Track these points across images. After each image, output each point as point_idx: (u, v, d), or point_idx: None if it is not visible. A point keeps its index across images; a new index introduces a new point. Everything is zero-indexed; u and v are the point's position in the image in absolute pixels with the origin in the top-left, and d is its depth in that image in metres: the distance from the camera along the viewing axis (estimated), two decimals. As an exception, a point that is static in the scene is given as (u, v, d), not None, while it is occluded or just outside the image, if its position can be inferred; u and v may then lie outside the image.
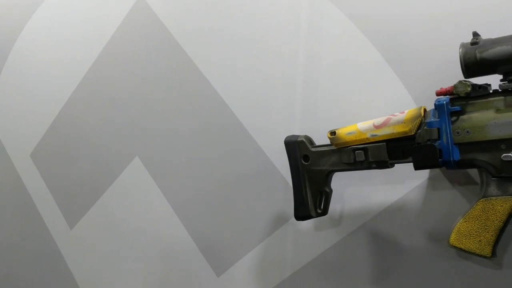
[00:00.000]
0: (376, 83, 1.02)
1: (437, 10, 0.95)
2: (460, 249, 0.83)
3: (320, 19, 1.08)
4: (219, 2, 1.23)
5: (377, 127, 0.90)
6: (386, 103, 1.00)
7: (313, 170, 0.97)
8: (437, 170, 0.94)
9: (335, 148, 0.94)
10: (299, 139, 0.99)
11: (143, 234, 1.38)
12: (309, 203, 0.98)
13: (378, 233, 1.03)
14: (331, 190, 0.99)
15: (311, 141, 1.00)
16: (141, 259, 1.38)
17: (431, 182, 0.97)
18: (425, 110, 0.87)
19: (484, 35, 0.79)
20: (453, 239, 0.84)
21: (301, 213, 0.99)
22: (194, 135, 1.28)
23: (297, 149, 0.99)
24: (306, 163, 0.98)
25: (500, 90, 0.78)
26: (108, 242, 1.45)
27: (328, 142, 0.96)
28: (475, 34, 0.80)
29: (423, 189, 0.97)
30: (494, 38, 0.77)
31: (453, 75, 0.83)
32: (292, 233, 1.14)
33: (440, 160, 0.83)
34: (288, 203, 1.11)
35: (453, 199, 0.94)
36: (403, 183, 0.99)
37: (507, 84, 0.77)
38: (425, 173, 0.97)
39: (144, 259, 1.37)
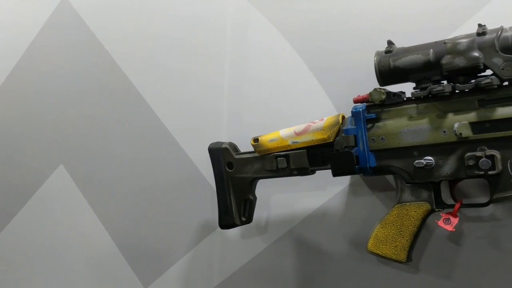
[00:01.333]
0: (300, 90, 1.02)
1: (358, 19, 0.97)
2: (378, 255, 0.84)
3: (246, 25, 1.08)
4: (144, 5, 1.19)
5: (298, 134, 0.90)
6: (309, 110, 1.00)
7: (237, 177, 0.96)
8: (357, 176, 0.95)
9: (258, 155, 0.94)
10: (223, 146, 0.98)
11: (68, 246, 1.31)
12: (234, 211, 0.96)
13: (303, 239, 1.03)
14: (255, 198, 0.97)
15: (235, 148, 0.99)
16: (66, 272, 1.31)
17: (352, 188, 0.98)
18: (343, 117, 0.88)
19: (402, 43, 0.80)
20: (370, 245, 0.85)
21: (226, 222, 0.97)
22: (120, 143, 1.23)
23: (221, 156, 0.97)
24: (230, 171, 0.96)
25: (412, 98, 0.80)
26: (32, 255, 1.37)
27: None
28: (390, 43, 0.82)
29: (345, 195, 0.98)
30: (407, 47, 0.79)
31: (373, 83, 0.84)
32: (220, 242, 1.12)
33: (357, 166, 0.84)
34: (215, 212, 1.07)
35: (372, 205, 0.95)
36: (326, 189, 1.00)
37: (419, 92, 0.79)
38: (346, 180, 0.98)
39: (69, 272, 1.31)
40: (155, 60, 1.17)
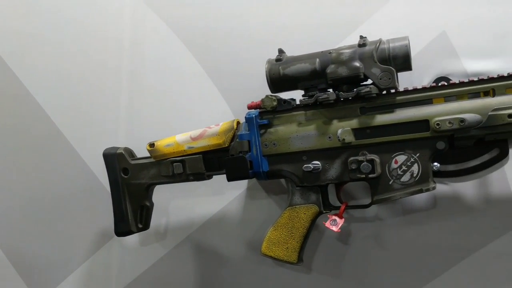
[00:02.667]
0: (198, 95, 1.02)
1: (254, 27, 0.99)
2: (271, 257, 0.86)
3: (143, 29, 1.06)
4: (39, 6, 1.13)
5: (194, 139, 0.90)
6: (207, 115, 1.01)
7: (132, 183, 0.94)
8: (254, 180, 0.97)
9: (154, 160, 0.92)
10: (118, 151, 0.95)
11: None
12: (130, 218, 0.94)
13: (202, 245, 1.03)
14: (152, 204, 0.96)
15: (131, 154, 0.97)
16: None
17: (249, 192, 0.99)
18: (238, 122, 0.89)
19: (297, 52, 0.83)
20: (264, 247, 0.87)
21: (121, 229, 0.95)
22: (11, 148, 1.15)
23: (116, 161, 0.95)
24: (125, 177, 0.94)
25: (301, 105, 0.83)
26: None
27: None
28: (280, 51, 0.84)
29: (242, 199, 1.00)
30: (296, 56, 0.82)
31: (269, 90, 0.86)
32: (118, 250, 1.09)
33: (250, 171, 0.85)
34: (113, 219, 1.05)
35: (269, 208, 0.98)
36: (224, 194, 1.01)
37: (307, 100, 0.82)
38: (243, 184, 0.99)
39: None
40: (48, 62, 1.11)
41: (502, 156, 0.84)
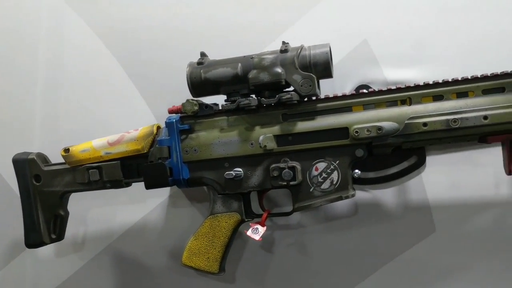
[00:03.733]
0: (118, 98, 0.98)
1: (178, 29, 0.95)
2: (191, 267, 0.83)
3: (61, 28, 1.00)
4: None
5: (111, 144, 0.85)
6: (128, 118, 0.97)
7: (45, 191, 0.88)
8: (177, 188, 0.93)
9: (69, 167, 0.87)
10: (29, 157, 0.89)
11: None
12: (42, 228, 0.88)
13: (122, 255, 0.99)
14: (67, 213, 0.90)
15: (45, 159, 0.91)
16: None
17: (172, 200, 0.96)
18: (159, 127, 0.85)
19: (221, 56, 0.80)
20: (185, 258, 0.84)
21: (32, 240, 0.88)
22: None
23: (27, 168, 0.88)
24: (37, 184, 0.88)
25: (223, 110, 0.81)
26: None
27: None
28: (203, 54, 0.82)
29: (164, 207, 0.97)
30: (218, 60, 0.80)
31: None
32: (31, 262, 1.02)
33: (170, 178, 0.82)
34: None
35: (192, 216, 0.95)
36: (145, 202, 0.97)
37: (229, 105, 0.80)
38: (166, 191, 0.96)
39: None
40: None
41: (420, 163, 0.85)
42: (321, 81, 0.81)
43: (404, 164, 0.86)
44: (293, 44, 0.78)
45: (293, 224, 0.91)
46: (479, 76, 0.72)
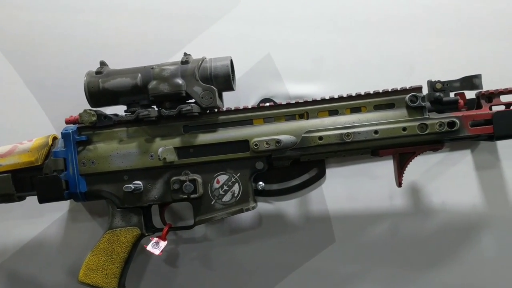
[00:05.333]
0: (13, 105, 0.92)
1: (79, 36, 0.92)
2: (89, 284, 0.79)
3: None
4: None
5: (2, 156, 0.80)
6: (24, 128, 0.91)
7: None
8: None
9: (-45, 180, 0.80)
10: None
11: None
12: None
13: (16, 274, 0.93)
14: (-50, 230, 0.83)
15: None
16: None
17: (72, 214, 0.92)
18: (55, 138, 0.81)
19: (123, 65, 0.78)
20: (81, 274, 0.80)
21: None
22: None
23: None
24: None
25: (123, 121, 0.78)
26: None
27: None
28: (102, 64, 0.79)
29: (63, 222, 0.92)
30: (118, 69, 0.78)
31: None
32: None
33: (66, 192, 0.78)
34: None
35: (93, 231, 0.91)
36: (43, 216, 0.92)
37: (128, 116, 0.78)
38: (65, 205, 0.91)
39: None
40: None
41: (320, 175, 0.88)
42: (225, 93, 0.82)
43: (306, 176, 0.88)
44: (198, 56, 0.77)
45: (198, 237, 0.90)
46: (371, 92, 0.75)
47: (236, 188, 0.77)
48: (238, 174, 0.77)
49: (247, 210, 0.77)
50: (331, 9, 0.89)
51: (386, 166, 0.82)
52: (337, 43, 0.88)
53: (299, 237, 0.89)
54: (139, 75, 0.76)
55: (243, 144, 0.76)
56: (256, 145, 0.74)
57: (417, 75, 0.84)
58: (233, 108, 0.78)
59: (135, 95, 0.77)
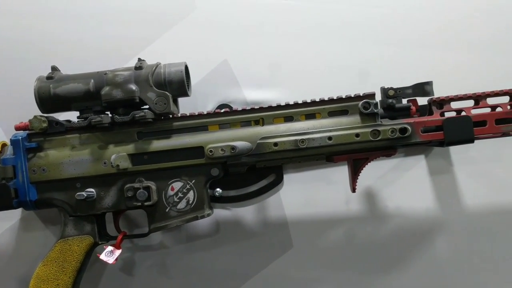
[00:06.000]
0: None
1: (31, 40, 0.89)
2: (39, 295, 0.77)
3: None
4: None
5: None
6: (-27, 135, 0.88)
7: None
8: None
9: None
10: None
11: None
12: None
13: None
14: None
15: None
16: None
17: (24, 223, 0.89)
18: (4, 145, 0.79)
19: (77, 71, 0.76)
20: (32, 285, 0.78)
21: None
22: None
23: None
24: None
25: (75, 127, 0.77)
26: None
27: None
28: (54, 69, 0.78)
29: (15, 231, 0.89)
30: (70, 75, 0.76)
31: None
32: None
33: (15, 200, 0.76)
34: None
35: (46, 240, 0.88)
36: (-7, 225, 0.89)
37: (81, 122, 0.76)
38: (17, 213, 0.88)
39: None
40: None
41: (278, 181, 0.88)
42: (182, 99, 0.81)
43: (263, 182, 0.88)
44: (154, 62, 0.76)
45: (154, 244, 0.89)
46: (326, 99, 0.75)
47: (191, 195, 0.76)
48: (193, 181, 0.76)
49: (202, 217, 0.76)
50: (288, 16, 0.89)
51: (343, 172, 0.83)
52: (294, 49, 0.89)
53: (257, 243, 0.89)
54: (92, 80, 0.75)
55: (198, 150, 0.75)
56: (211, 151, 0.74)
57: (372, 82, 0.85)
58: (188, 114, 0.77)
59: (88, 101, 0.75)
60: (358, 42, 0.88)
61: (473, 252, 0.88)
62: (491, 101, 0.75)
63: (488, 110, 0.76)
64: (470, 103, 0.76)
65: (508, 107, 0.75)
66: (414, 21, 0.88)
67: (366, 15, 0.89)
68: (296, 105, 0.76)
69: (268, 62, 0.88)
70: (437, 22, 0.88)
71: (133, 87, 0.74)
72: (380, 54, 0.88)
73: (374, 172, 0.87)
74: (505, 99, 0.76)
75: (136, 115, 0.74)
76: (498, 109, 0.76)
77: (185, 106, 0.83)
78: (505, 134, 0.75)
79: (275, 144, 0.73)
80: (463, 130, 0.73)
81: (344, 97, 0.75)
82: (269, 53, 0.88)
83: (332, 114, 0.75)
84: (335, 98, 0.76)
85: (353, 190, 0.77)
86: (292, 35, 0.89)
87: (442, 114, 0.76)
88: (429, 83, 0.75)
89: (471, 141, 0.74)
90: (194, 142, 0.75)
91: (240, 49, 0.89)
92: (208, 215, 0.77)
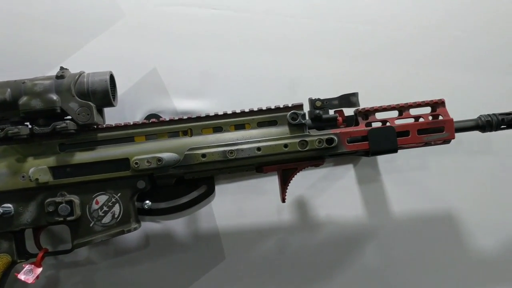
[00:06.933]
0: None
1: None
2: (-50, 320, 0.72)
3: None
4: None
5: None
6: None
7: None
8: None
9: None
10: None
11: None
12: None
13: None
14: None
15: None
16: None
17: None
18: None
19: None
20: None
21: None
22: None
23: None
24: None
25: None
26: None
27: None
28: (-33, 76, 0.73)
29: None
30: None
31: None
32: None
33: None
34: None
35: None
36: None
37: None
38: None
39: None
40: None
41: (209, 192, 0.87)
42: (109, 109, 0.78)
43: (194, 194, 0.86)
44: (78, 70, 0.73)
45: (80, 260, 0.85)
46: (255, 109, 0.75)
47: (116, 208, 0.73)
48: (119, 194, 0.73)
49: (129, 231, 0.74)
50: (219, 26, 0.88)
51: (274, 182, 0.83)
52: (225, 59, 0.88)
53: (189, 256, 0.87)
54: (8, 89, 0.71)
55: (123, 162, 0.73)
56: (136, 163, 0.72)
57: (302, 93, 0.85)
58: (113, 125, 0.74)
59: (4, 111, 0.71)
60: (289, 53, 0.89)
61: (401, 256, 0.90)
62: (414, 111, 0.77)
63: (412, 120, 0.79)
64: (395, 113, 0.78)
65: (430, 117, 0.78)
66: (340, 33, 0.90)
67: (296, 26, 0.90)
68: (225, 115, 0.75)
69: (199, 71, 0.87)
70: (363, 33, 0.91)
71: (54, 97, 0.71)
72: (311, 65, 0.89)
73: (305, 181, 0.88)
74: (427, 110, 0.78)
75: (57, 126, 0.71)
76: (421, 120, 0.78)
77: (113, 116, 0.81)
78: (427, 144, 0.78)
79: (203, 155, 0.72)
80: (387, 140, 0.75)
81: (273, 107, 0.76)
82: (200, 62, 0.87)
83: (261, 124, 0.75)
84: (264, 108, 0.76)
85: (283, 200, 0.77)
86: (223, 44, 0.88)
87: (369, 125, 0.77)
88: (354, 94, 0.76)
89: (395, 150, 0.76)
90: (119, 154, 0.73)
91: (170, 57, 0.87)
92: (135, 229, 0.74)
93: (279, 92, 0.87)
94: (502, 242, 0.92)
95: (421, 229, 0.91)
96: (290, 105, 0.76)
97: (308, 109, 0.77)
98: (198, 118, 0.75)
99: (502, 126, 0.79)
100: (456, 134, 0.77)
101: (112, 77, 0.74)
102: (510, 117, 0.78)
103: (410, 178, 0.90)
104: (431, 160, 0.91)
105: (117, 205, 0.73)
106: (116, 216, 0.73)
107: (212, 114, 0.75)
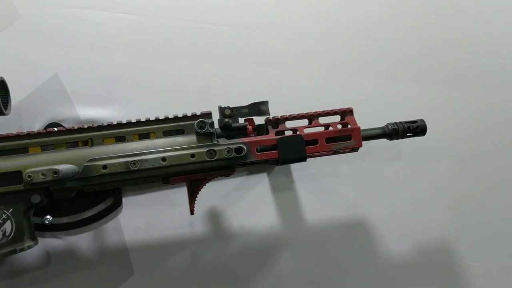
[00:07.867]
0: None
1: None
2: None
3: None
4: None
5: None
6: None
7: None
8: None
9: None
10: None
11: None
12: None
13: None
14: None
15: None
16: None
17: None
18: None
19: None
20: None
21: None
22: None
23: None
24: None
25: None
26: None
27: None
28: None
29: None
30: None
31: None
32: None
33: None
34: None
35: None
36: None
37: None
38: None
39: None
40: None
41: (116, 205, 0.82)
42: (4, 118, 0.72)
43: (100, 207, 0.82)
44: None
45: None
46: (161, 118, 0.72)
47: (8, 226, 0.68)
48: (10, 210, 0.68)
49: (22, 250, 0.68)
50: (127, 31, 0.85)
51: (186, 193, 0.80)
52: (133, 65, 0.84)
53: (95, 273, 0.82)
54: None
55: (15, 175, 0.67)
56: (29, 176, 0.66)
57: (213, 101, 0.83)
58: (4, 135, 0.69)
59: None
60: (201, 60, 0.87)
61: (315, 264, 0.90)
62: (324, 120, 0.78)
63: (321, 129, 0.79)
64: (305, 122, 0.78)
65: (339, 126, 0.78)
66: (258, 39, 0.90)
67: (207, 32, 0.88)
68: (128, 124, 0.72)
69: (105, 78, 0.83)
70: (279, 41, 0.91)
71: None
72: (223, 72, 0.87)
73: (218, 192, 0.86)
74: (336, 118, 0.79)
75: None
76: (330, 128, 0.79)
77: (9, 125, 0.75)
78: (336, 152, 0.78)
79: (104, 166, 0.68)
80: (296, 149, 0.75)
81: (180, 116, 0.73)
82: (106, 68, 0.83)
83: (167, 133, 0.73)
84: (171, 117, 0.73)
85: (192, 212, 0.75)
86: (131, 50, 0.85)
87: (279, 133, 0.77)
88: (264, 103, 0.75)
89: (303, 159, 0.75)
90: (10, 167, 0.67)
91: (73, 63, 0.82)
92: (29, 247, 0.69)
93: (190, 100, 0.85)
94: (412, 246, 0.94)
95: (334, 236, 0.91)
96: (198, 113, 0.73)
97: (218, 118, 0.75)
98: (100, 127, 0.71)
99: (408, 134, 0.81)
100: (366, 142, 0.78)
101: (3, 83, 0.69)
102: (415, 125, 0.80)
103: (323, 185, 0.91)
104: (343, 167, 0.92)
105: (8, 222, 0.68)
106: (7, 234, 0.68)
107: (114, 123, 0.71)
